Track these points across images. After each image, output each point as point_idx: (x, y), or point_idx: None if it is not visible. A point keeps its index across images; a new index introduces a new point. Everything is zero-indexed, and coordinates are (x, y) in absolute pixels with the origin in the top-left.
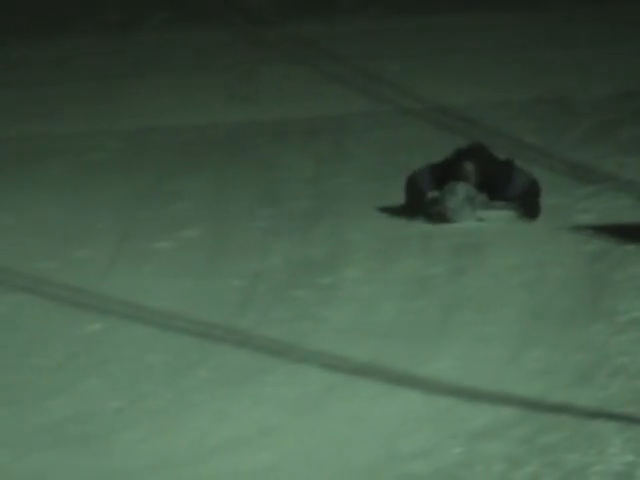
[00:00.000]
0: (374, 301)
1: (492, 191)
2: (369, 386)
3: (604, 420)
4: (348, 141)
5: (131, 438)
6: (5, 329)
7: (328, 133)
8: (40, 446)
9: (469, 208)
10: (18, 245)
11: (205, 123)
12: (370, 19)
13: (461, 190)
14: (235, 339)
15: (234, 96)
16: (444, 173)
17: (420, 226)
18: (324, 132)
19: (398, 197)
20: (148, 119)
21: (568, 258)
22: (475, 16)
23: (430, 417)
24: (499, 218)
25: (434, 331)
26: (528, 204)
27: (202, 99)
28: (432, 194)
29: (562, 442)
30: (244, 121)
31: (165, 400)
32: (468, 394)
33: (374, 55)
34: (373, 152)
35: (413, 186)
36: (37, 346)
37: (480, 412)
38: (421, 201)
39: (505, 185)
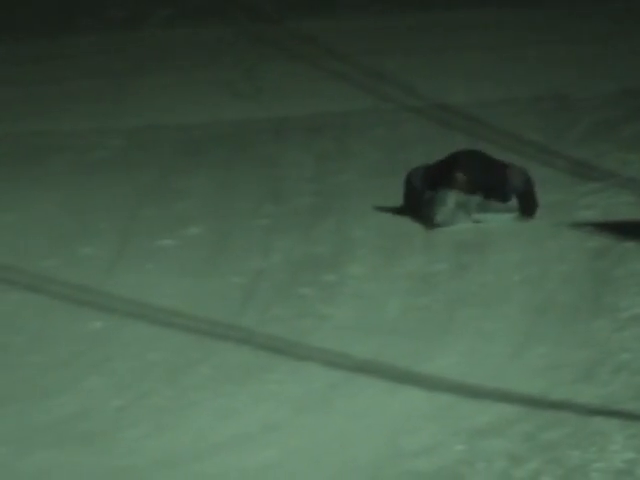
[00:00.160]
0: (377, 298)
1: (489, 194)
2: (372, 383)
3: (606, 417)
4: (350, 138)
5: (133, 436)
6: (7, 327)
7: (330, 130)
8: (42, 444)
9: (463, 213)
10: (20, 243)
11: (207, 121)
12: (372, 16)
13: (450, 199)
14: (237, 337)
15: (236, 94)
16: (439, 175)
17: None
18: (326, 129)
19: (401, 194)
20: (150, 117)
21: (570, 254)
22: (476, 13)
23: (433, 414)
24: (496, 220)
25: (438, 328)
26: (525, 203)
27: (204, 97)
28: (429, 194)
29: (564, 439)
30: (246, 119)
31: (167, 398)
32: (471, 391)
33: (376, 52)
34: (375, 149)
35: (409, 186)
36: (39, 344)
37: (482, 409)
38: (417, 201)
39: (502, 187)
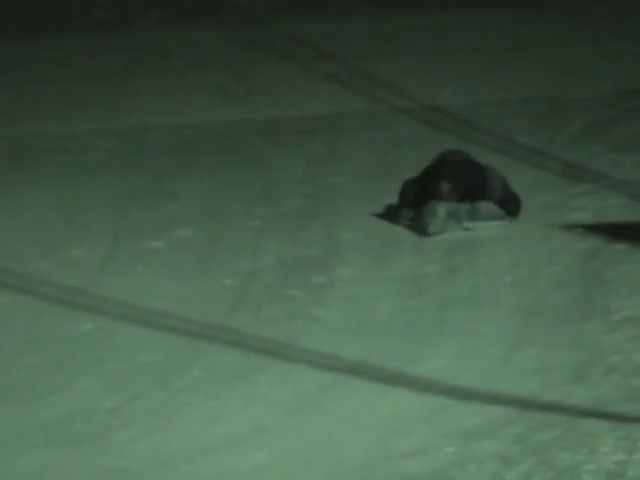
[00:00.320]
0: (368, 300)
1: (473, 196)
2: (363, 385)
3: (597, 419)
4: (341, 140)
5: (125, 437)
6: None
7: (321, 132)
8: (34, 445)
9: (453, 222)
10: (12, 245)
11: (198, 123)
12: (363, 18)
13: (440, 210)
14: (228, 338)
15: (228, 95)
16: (426, 186)
17: None
18: (317, 131)
19: (392, 196)
20: (142, 118)
21: (561, 256)
22: (468, 15)
23: (423, 416)
24: (485, 228)
25: (428, 330)
26: (507, 207)
27: (196, 99)
28: (407, 212)
29: (555, 441)
30: (238, 120)
31: (158, 400)
32: (461, 393)
33: (367, 54)
34: (366, 151)
35: (403, 201)
36: (31, 346)
37: (473, 411)
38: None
39: (483, 188)
